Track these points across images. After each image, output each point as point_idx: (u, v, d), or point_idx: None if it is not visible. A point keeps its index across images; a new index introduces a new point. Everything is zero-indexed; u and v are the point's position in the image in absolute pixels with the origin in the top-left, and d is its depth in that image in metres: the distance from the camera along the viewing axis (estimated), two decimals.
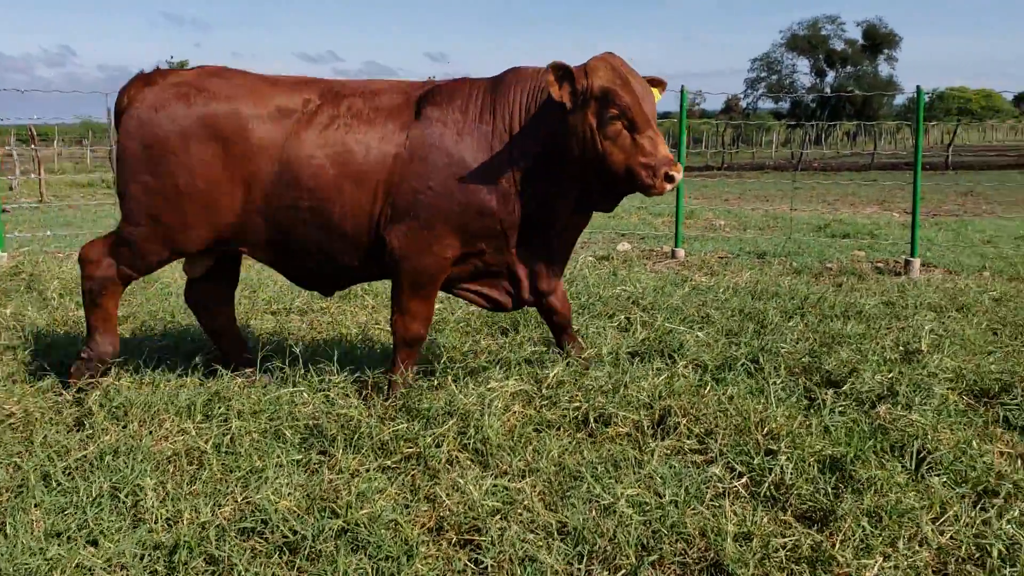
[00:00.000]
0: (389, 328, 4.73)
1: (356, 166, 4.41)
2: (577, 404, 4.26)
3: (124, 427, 4.03)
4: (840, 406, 4.40)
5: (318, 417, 4.07)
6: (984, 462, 3.75)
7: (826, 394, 4.57)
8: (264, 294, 7.35)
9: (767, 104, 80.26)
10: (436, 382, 4.43)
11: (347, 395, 4.42)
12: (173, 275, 8.14)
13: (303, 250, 4.60)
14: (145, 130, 4.42)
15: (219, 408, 4.21)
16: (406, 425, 3.97)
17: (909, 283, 8.15)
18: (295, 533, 3.08)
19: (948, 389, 4.63)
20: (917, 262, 9.25)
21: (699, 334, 5.60)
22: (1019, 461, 3.85)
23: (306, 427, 4.03)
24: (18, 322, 6.05)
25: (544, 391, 4.43)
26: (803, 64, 78.35)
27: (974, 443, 3.93)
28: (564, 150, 4.35)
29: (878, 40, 75.51)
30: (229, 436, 3.91)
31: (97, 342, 4.65)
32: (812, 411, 4.34)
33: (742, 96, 77.74)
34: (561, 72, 4.20)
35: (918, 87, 9.35)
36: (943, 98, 77.88)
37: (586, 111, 4.22)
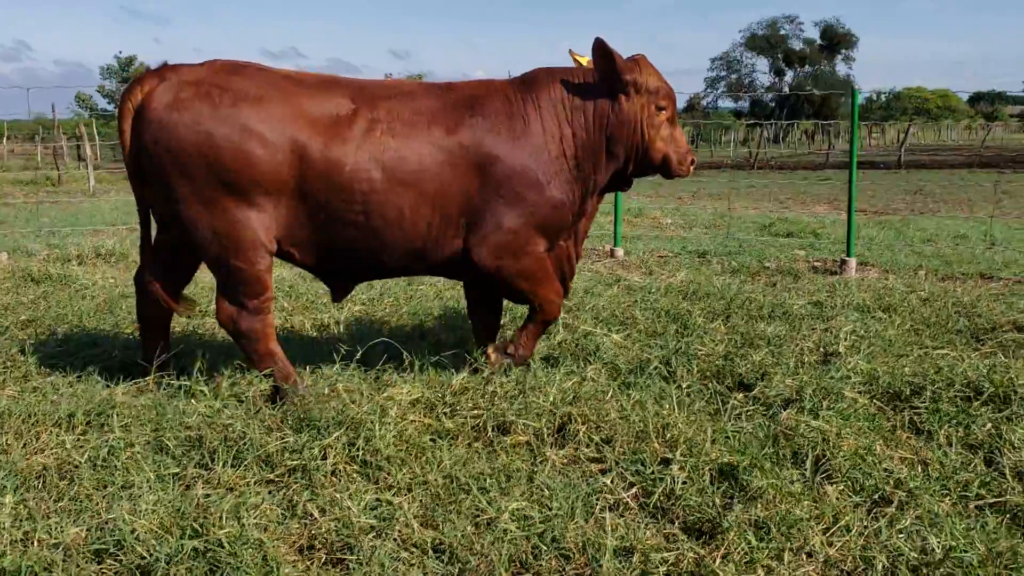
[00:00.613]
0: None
1: (407, 173, 4.34)
2: (478, 412, 4.13)
3: None
4: (747, 411, 4.33)
5: (201, 428, 3.89)
6: (884, 469, 3.69)
7: (735, 398, 4.50)
8: None
9: (727, 103, 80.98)
10: (328, 389, 4.27)
11: (239, 403, 4.26)
12: (95, 276, 7.90)
13: (348, 254, 4.52)
14: (172, 134, 4.12)
15: (103, 419, 4.02)
16: (293, 436, 3.81)
17: (842, 283, 8.13)
18: (151, 555, 2.92)
19: (859, 392, 4.57)
20: (853, 261, 9.25)
21: (616, 337, 5.50)
22: (919, 467, 3.79)
23: (188, 439, 3.85)
24: None
25: (448, 398, 4.30)
26: (762, 63, 79.19)
27: (876, 448, 3.87)
28: (613, 137, 4.71)
29: (836, 40, 76.50)
30: (107, 448, 3.72)
31: (285, 376, 4.49)
32: (717, 416, 4.26)
33: (702, 95, 78.29)
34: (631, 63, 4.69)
35: (852, 87, 9.35)
36: (900, 97, 79.08)
37: (640, 102, 4.69)
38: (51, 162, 32.56)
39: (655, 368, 4.86)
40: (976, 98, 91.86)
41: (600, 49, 4.53)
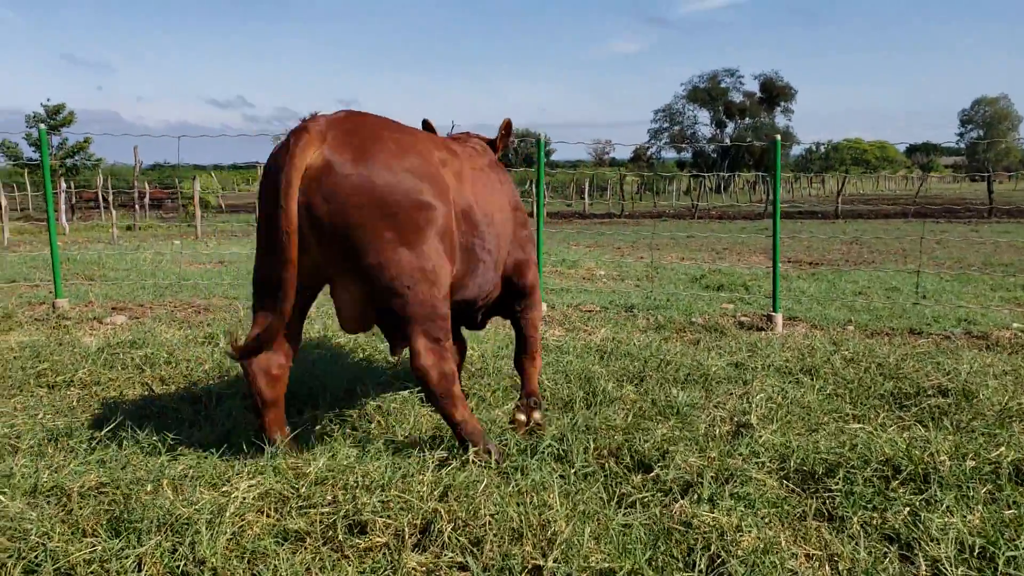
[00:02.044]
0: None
1: (500, 216, 4.80)
2: (332, 509, 3.59)
3: None
4: (642, 498, 3.86)
5: None
6: (788, 569, 3.24)
7: (631, 482, 4.03)
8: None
9: (671, 154, 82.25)
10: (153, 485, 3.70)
11: (48, 498, 3.66)
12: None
13: (470, 292, 4.69)
14: (373, 181, 3.98)
15: None
16: (104, 544, 3.24)
17: (766, 340, 7.78)
18: None
19: (767, 472, 4.14)
20: (779, 317, 8.93)
21: (508, 409, 5.02)
22: (828, 566, 3.35)
23: None
24: None
25: (303, 489, 3.76)
26: (704, 115, 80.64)
27: (781, 542, 3.43)
28: None
29: (775, 93, 78.31)
30: None
31: (473, 432, 4.24)
32: (608, 506, 3.79)
33: (647, 145, 79.39)
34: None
35: (776, 139, 9.12)
36: (838, 149, 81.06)
37: None
38: None
39: (547, 447, 4.39)
40: (912, 149, 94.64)
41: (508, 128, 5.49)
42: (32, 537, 3.22)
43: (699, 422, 4.93)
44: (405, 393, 5.34)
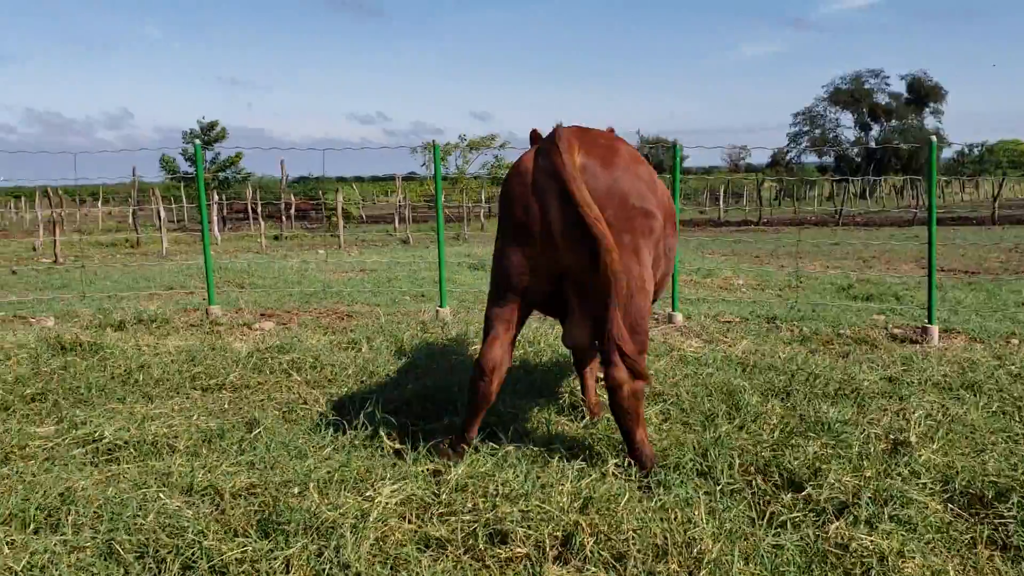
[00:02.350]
0: None
1: None
2: (473, 516, 3.58)
3: None
4: (793, 518, 3.67)
5: (154, 531, 3.44)
6: None
7: (781, 501, 3.84)
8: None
9: (812, 158, 79.42)
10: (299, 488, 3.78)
11: (203, 497, 3.80)
12: (126, 344, 7.65)
13: None
14: (644, 181, 4.23)
15: (58, 516, 3.62)
16: (255, 544, 3.33)
17: (921, 354, 7.32)
18: None
19: (930, 495, 3.86)
20: (935, 329, 8.40)
21: (653, 416, 4.90)
22: None
23: (141, 544, 3.40)
24: None
25: (444, 496, 3.77)
26: (847, 118, 77.48)
27: (949, 571, 3.18)
28: None
29: (923, 93, 74.44)
30: (48, 555, 3.30)
31: (649, 456, 4.23)
32: (757, 525, 3.61)
33: (786, 150, 76.98)
34: None
35: (931, 140, 8.61)
36: (993, 151, 76.21)
37: None
38: (145, 223, 33.71)
39: (690, 461, 4.25)
40: None
41: None
42: (188, 535, 3.35)
43: (852, 439, 4.66)
44: (542, 401, 5.30)
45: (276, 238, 30.50)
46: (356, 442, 4.79)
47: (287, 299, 12.09)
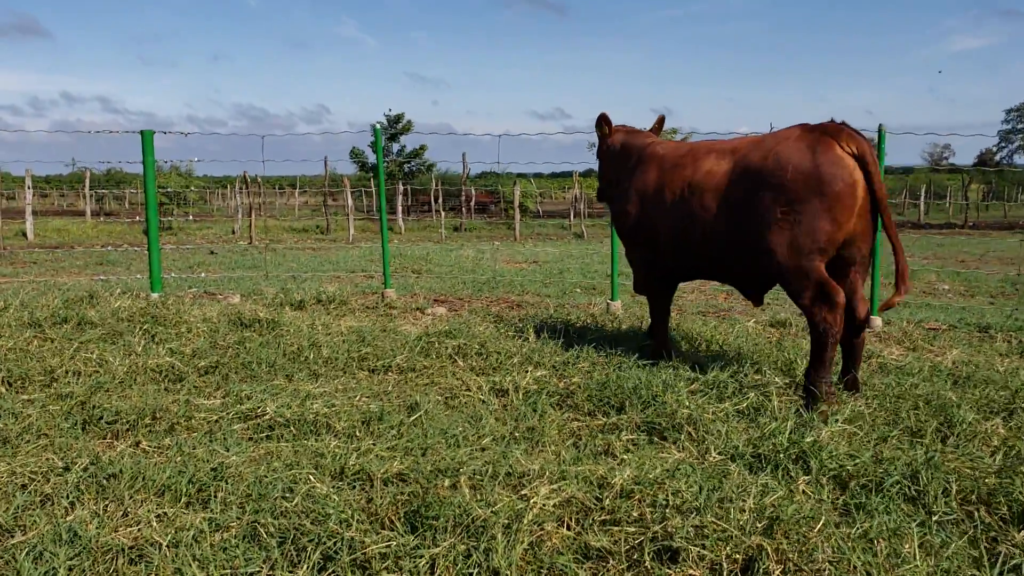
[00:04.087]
0: None
1: None
2: (639, 528, 3.17)
3: (89, 505, 3.42)
4: None
5: (299, 516, 3.25)
6: None
7: (1011, 539, 3.19)
8: None
9: None
10: (454, 481, 3.49)
11: (353, 482, 3.59)
12: (303, 323, 7.73)
13: None
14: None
15: (209, 491, 3.52)
16: (401, 538, 3.07)
17: None
18: None
19: None
20: None
21: (846, 426, 4.30)
22: None
23: (284, 529, 3.22)
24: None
25: (607, 502, 3.38)
26: None
27: None
28: None
29: None
30: (192, 532, 3.19)
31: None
32: (980, 567, 3.00)
33: (995, 149, 70.92)
34: None
35: None
36: None
37: None
38: (337, 213, 35.34)
39: (896, 484, 3.64)
40: None
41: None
42: (331, 523, 3.13)
43: None
44: (724, 405, 4.79)
45: (456, 229, 31.04)
46: (516, 434, 4.49)
47: (460, 286, 12.07)
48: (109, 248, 19.69)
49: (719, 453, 4.09)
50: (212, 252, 18.59)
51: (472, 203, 37.66)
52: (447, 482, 3.52)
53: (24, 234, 22.85)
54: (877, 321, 8.68)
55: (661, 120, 6.97)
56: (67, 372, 5.48)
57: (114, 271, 14.47)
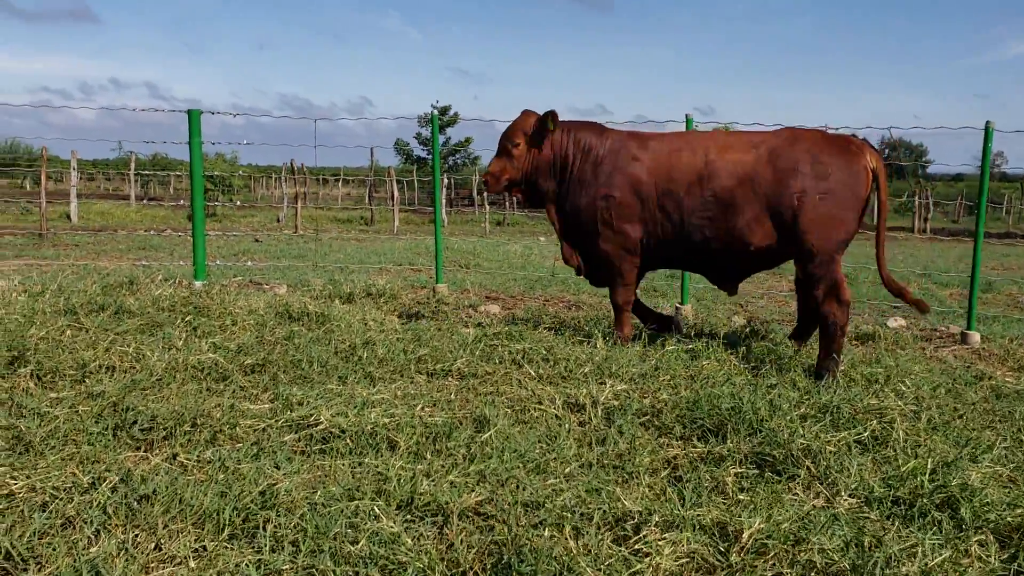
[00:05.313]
0: None
1: None
2: None
3: (117, 533, 2.90)
4: None
5: (365, 563, 2.69)
6: None
7: None
8: None
9: None
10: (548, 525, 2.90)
11: (424, 515, 3.03)
12: (353, 317, 7.22)
13: None
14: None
15: (256, 521, 2.98)
16: None
17: None
18: None
19: None
20: None
21: (997, 468, 3.65)
22: None
23: None
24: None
25: (733, 557, 2.79)
26: None
27: None
28: None
29: None
30: (237, 574, 2.64)
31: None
32: None
33: None
34: None
35: None
36: None
37: None
38: (380, 204, 34.98)
39: None
40: None
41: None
42: (408, 574, 2.57)
43: None
44: (842, 434, 4.15)
45: (499, 223, 30.49)
46: (604, 461, 3.90)
47: (511, 283, 11.51)
48: (152, 232, 19.42)
49: (849, 495, 3.47)
50: (257, 240, 18.23)
51: (516, 198, 37.08)
52: (535, 520, 2.94)
53: (68, 216, 22.71)
54: (975, 336, 7.95)
55: (554, 116, 6.64)
56: (100, 367, 5.00)
57: (156, 256, 14.13)
